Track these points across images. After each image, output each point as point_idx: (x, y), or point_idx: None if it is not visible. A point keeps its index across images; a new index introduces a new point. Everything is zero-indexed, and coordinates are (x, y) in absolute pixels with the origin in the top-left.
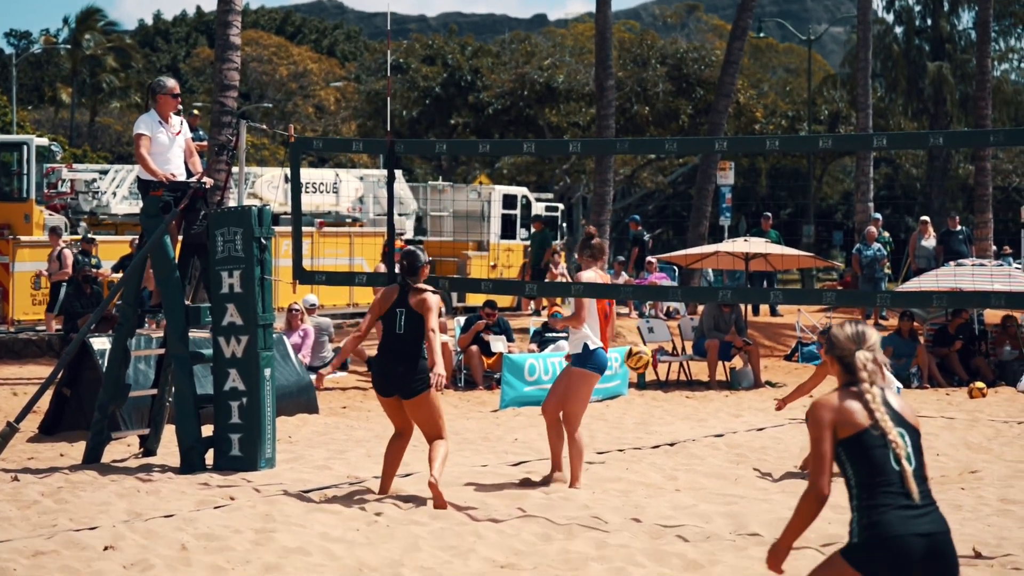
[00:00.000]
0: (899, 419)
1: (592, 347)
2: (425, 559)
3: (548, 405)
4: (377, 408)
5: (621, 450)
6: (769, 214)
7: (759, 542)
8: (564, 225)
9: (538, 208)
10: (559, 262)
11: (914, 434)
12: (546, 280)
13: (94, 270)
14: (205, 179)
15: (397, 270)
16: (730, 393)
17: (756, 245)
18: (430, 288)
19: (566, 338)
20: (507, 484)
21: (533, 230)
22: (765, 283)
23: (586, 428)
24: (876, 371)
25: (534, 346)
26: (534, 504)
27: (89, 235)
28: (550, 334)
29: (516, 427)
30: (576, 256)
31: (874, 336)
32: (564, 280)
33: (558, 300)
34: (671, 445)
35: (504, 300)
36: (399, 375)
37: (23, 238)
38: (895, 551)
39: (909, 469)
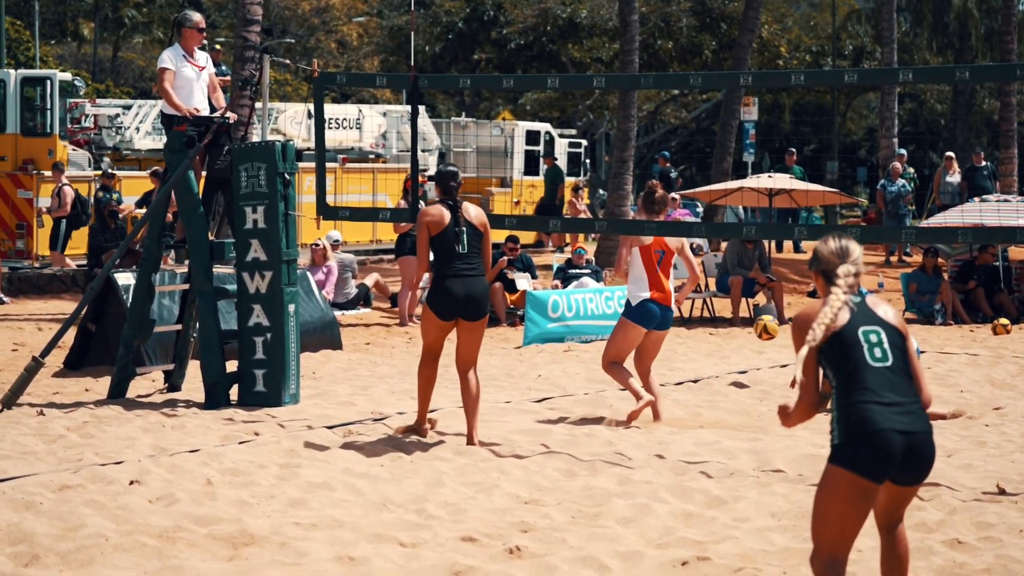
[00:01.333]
0: (872, 318)
1: (637, 300)
2: (449, 495)
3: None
4: (400, 344)
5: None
6: (793, 150)
7: (783, 478)
8: (587, 161)
9: (561, 144)
10: (582, 198)
11: (892, 332)
12: (565, 215)
13: (117, 205)
14: (229, 114)
15: (438, 196)
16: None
17: (780, 181)
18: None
19: (589, 274)
20: (530, 419)
21: (544, 166)
22: (789, 220)
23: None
24: (855, 284)
25: (557, 282)
26: (558, 440)
27: (110, 170)
28: (573, 271)
29: (539, 363)
30: (641, 213)
31: (857, 251)
32: (587, 216)
33: (580, 237)
34: (694, 382)
35: (526, 237)
36: (477, 296)
37: (47, 173)
38: (877, 444)
39: (886, 364)
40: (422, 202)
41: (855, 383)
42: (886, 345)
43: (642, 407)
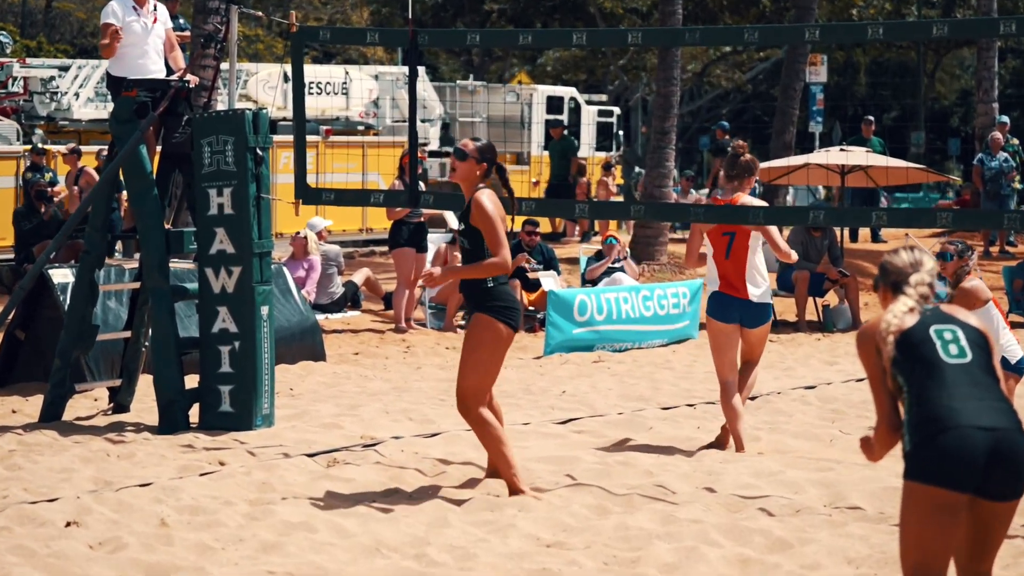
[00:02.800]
0: (946, 318)
1: (710, 293)
2: (455, 536)
3: None
4: (396, 354)
5: (691, 405)
6: (871, 118)
7: (860, 517)
8: (620, 133)
9: (589, 113)
10: (615, 177)
11: (971, 330)
12: (593, 198)
13: (49, 187)
14: (188, 77)
15: (480, 180)
16: (823, 336)
17: (855, 156)
18: None
19: (621, 269)
20: (554, 445)
21: (552, 138)
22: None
23: (649, 378)
24: (927, 296)
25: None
26: (586, 470)
27: (40, 145)
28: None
29: (563, 377)
30: (720, 179)
31: (931, 264)
32: (617, 199)
33: (612, 224)
34: (752, 399)
35: (543, 224)
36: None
37: None
38: (953, 444)
39: (964, 360)
40: (421, 183)
41: (927, 381)
42: (963, 342)
43: (727, 437)
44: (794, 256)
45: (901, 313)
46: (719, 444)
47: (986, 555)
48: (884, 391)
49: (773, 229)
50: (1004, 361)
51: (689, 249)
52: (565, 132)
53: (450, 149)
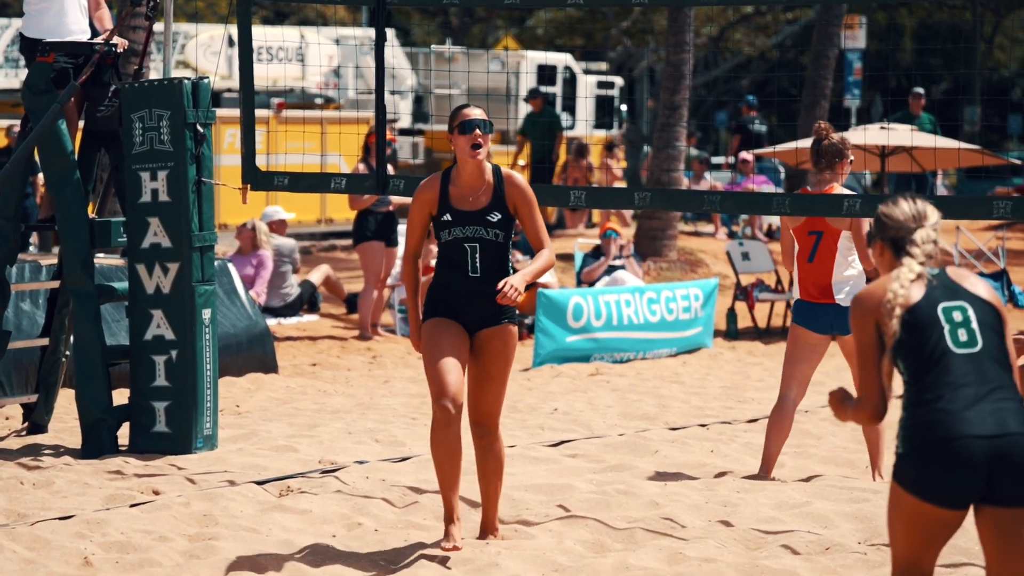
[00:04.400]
0: (957, 292)
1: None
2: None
3: None
4: (360, 365)
5: (703, 425)
6: (921, 91)
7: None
8: (623, 107)
9: (587, 84)
10: (619, 159)
11: (983, 308)
12: (592, 183)
13: None
14: (116, 40)
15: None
16: None
17: (898, 135)
18: None
19: (622, 267)
20: (544, 470)
21: (530, 110)
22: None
23: (654, 394)
24: (933, 255)
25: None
26: (582, 500)
27: None
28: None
29: (555, 392)
30: (814, 169)
31: (936, 216)
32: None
33: (613, 217)
34: None
35: None
36: None
37: None
38: (948, 458)
39: (973, 350)
40: (390, 166)
41: (930, 375)
42: (974, 324)
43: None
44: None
45: (908, 282)
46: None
47: (1014, 555)
48: (876, 371)
49: (865, 231)
50: None
51: (783, 249)
52: (547, 104)
53: (424, 127)
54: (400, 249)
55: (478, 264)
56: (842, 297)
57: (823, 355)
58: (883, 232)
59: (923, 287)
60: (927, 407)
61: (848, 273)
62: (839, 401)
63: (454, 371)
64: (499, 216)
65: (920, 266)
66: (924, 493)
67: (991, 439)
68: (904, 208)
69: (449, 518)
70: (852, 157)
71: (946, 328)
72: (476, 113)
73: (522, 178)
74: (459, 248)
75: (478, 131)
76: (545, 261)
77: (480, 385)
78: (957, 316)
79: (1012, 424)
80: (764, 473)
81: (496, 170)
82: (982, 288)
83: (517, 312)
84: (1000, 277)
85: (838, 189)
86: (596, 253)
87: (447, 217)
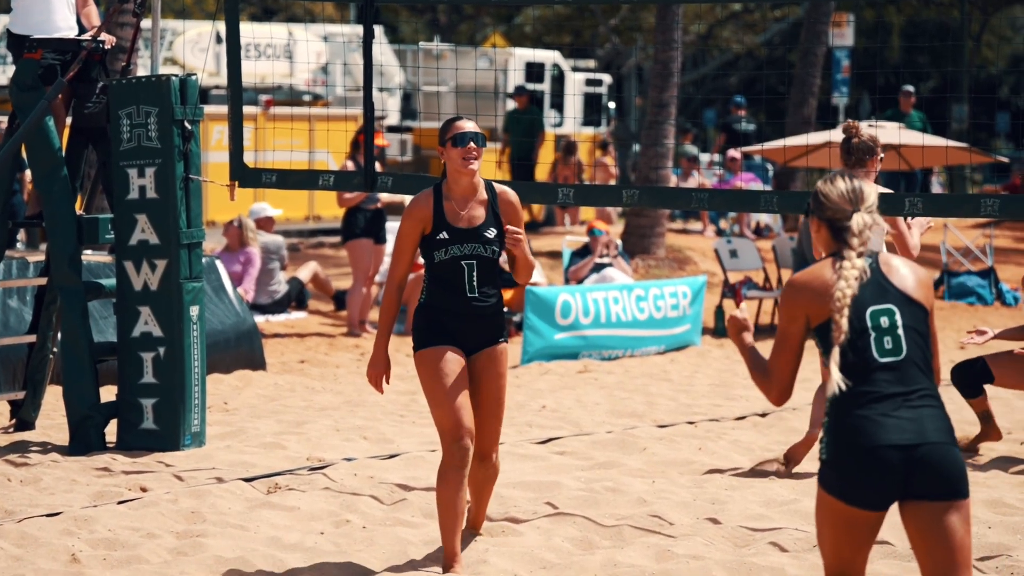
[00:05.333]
0: (885, 291)
1: None
2: (416, 575)
3: None
4: (348, 363)
5: (691, 422)
6: (911, 88)
7: (888, 554)
8: (612, 105)
9: (575, 81)
10: (612, 156)
11: (910, 310)
12: (587, 181)
13: None
14: (104, 36)
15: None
16: None
17: (885, 133)
18: None
19: (610, 265)
20: (532, 468)
21: (513, 106)
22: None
23: (643, 391)
24: (870, 239)
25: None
26: (570, 498)
27: None
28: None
29: (544, 390)
30: (844, 167)
31: (873, 196)
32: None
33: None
34: (762, 416)
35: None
36: None
37: None
38: (866, 466)
39: (897, 358)
40: (378, 163)
41: (854, 381)
42: (899, 331)
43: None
44: (915, 254)
45: (855, 282)
46: (791, 460)
47: (956, 569)
48: (794, 357)
49: (903, 227)
50: None
51: (814, 247)
52: (531, 103)
53: (412, 124)
54: (389, 246)
55: (475, 282)
56: None
57: None
58: (820, 211)
59: (857, 284)
60: (850, 415)
61: None
62: (738, 332)
63: (465, 408)
64: (495, 232)
65: (860, 259)
66: (847, 497)
67: (909, 448)
68: (841, 188)
69: (452, 562)
70: (883, 155)
71: (872, 336)
72: (469, 126)
73: (514, 193)
74: (455, 267)
75: (472, 144)
76: (531, 259)
77: (483, 411)
78: (884, 322)
79: (930, 432)
80: (795, 460)
81: (488, 185)
82: (910, 282)
83: (506, 309)
84: (987, 275)
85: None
86: (584, 251)
87: (443, 235)
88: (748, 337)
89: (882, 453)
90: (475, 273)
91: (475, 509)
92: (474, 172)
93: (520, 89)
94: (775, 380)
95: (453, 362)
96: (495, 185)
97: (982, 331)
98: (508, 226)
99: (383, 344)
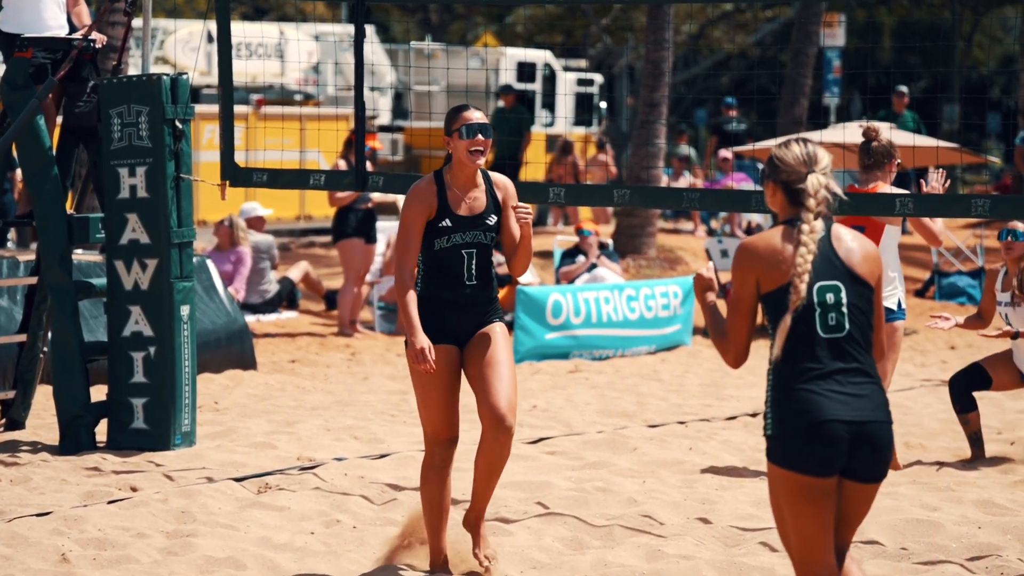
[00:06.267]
0: (833, 266)
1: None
2: (406, 574)
3: None
4: (339, 362)
5: (682, 422)
6: (904, 89)
7: (879, 553)
8: (603, 105)
9: (566, 81)
10: (609, 155)
11: (855, 287)
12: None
13: None
14: (95, 35)
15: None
16: None
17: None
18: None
19: (594, 265)
20: (523, 468)
21: (500, 104)
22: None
23: (633, 391)
24: (826, 201)
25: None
26: (561, 498)
27: None
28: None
29: (535, 389)
30: (862, 168)
31: (827, 159)
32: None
33: (583, 211)
34: (752, 416)
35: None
36: None
37: None
38: (816, 439)
39: (839, 335)
40: (369, 163)
41: (797, 358)
42: (844, 308)
43: None
44: (943, 239)
45: (815, 246)
46: None
47: (848, 530)
48: (748, 320)
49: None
50: None
51: None
52: (518, 102)
53: (403, 123)
54: (379, 246)
55: (474, 271)
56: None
57: None
58: (775, 175)
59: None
60: (793, 391)
61: (890, 274)
62: (703, 290)
63: (452, 409)
64: (495, 219)
65: (817, 220)
66: (800, 466)
67: (854, 424)
68: (796, 151)
69: (439, 561)
70: (900, 159)
71: (817, 312)
72: (477, 116)
73: (506, 177)
74: (456, 255)
75: (480, 136)
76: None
77: (493, 372)
78: (830, 298)
79: (869, 411)
80: None
81: (483, 171)
82: (857, 256)
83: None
84: (978, 275)
85: (883, 188)
86: (574, 251)
87: (446, 223)
88: (711, 296)
89: (830, 427)
90: (474, 261)
91: (479, 503)
92: (479, 163)
93: (506, 88)
94: (731, 343)
95: (445, 361)
96: (486, 171)
97: (946, 317)
98: (517, 204)
99: (419, 328)
